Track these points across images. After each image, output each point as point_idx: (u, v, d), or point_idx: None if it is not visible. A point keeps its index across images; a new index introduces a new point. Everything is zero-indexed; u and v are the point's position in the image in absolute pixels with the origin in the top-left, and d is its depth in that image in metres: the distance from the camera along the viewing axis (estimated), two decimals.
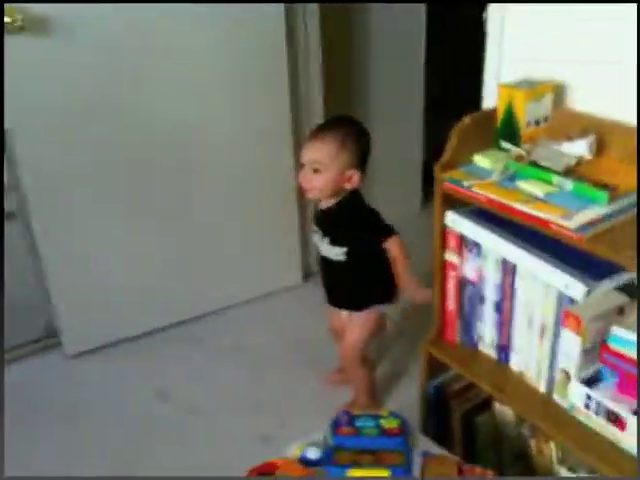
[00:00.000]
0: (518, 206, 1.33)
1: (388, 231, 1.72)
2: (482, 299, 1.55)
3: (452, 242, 1.55)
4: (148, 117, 2.15)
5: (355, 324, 1.87)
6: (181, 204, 2.32)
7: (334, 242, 1.75)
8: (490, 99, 1.68)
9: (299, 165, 1.77)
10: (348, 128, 1.72)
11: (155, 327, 2.39)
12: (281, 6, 2.22)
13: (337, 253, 1.75)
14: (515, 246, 1.41)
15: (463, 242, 1.53)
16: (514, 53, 1.63)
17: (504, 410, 1.59)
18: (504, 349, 1.56)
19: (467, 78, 2.97)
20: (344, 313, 1.92)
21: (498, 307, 1.52)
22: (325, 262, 1.84)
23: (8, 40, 1.84)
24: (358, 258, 1.76)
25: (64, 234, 2.15)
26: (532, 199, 1.36)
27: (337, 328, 1.97)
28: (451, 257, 1.57)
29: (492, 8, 1.63)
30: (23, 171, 2.04)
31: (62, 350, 2.29)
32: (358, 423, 1.43)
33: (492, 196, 1.38)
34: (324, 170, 1.68)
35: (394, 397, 2.06)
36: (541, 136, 1.54)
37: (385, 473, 1.27)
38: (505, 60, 1.66)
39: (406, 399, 1.92)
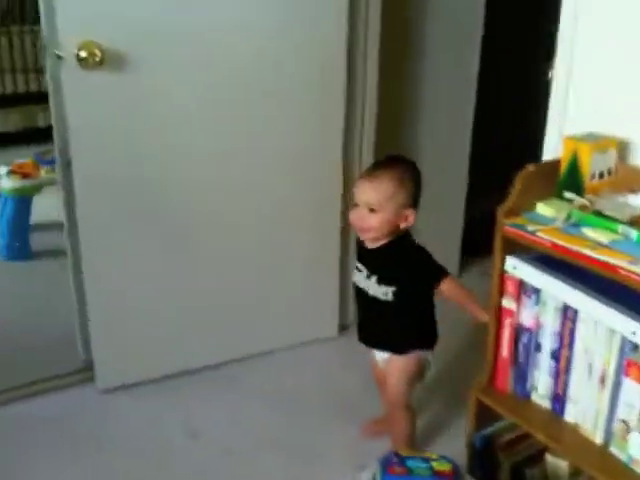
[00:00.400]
0: (586, 251, 1.34)
1: (443, 272, 1.72)
2: (538, 347, 1.55)
3: (510, 288, 1.56)
4: (192, 159, 2.16)
5: (395, 368, 1.84)
6: (220, 244, 2.29)
7: (382, 281, 1.75)
8: (550, 152, 1.72)
9: (351, 205, 1.77)
10: (404, 167, 1.73)
11: (189, 368, 2.36)
12: None
13: (385, 292, 1.75)
14: (579, 291, 1.40)
15: (522, 288, 1.54)
16: (578, 108, 1.67)
17: (557, 463, 1.56)
18: (559, 399, 1.54)
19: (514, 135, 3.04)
20: (380, 355, 1.89)
21: (555, 355, 1.52)
22: (366, 300, 1.81)
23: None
24: (406, 298, 1.75)
25: (107, 270, 2.14)
26: (597, 246, 1.37)
27: (379, 374, 1.96)
28: (508, 303, 1.57)
29: (559, 64, 1.68)
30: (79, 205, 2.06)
31: (95, 384, 2.26)
32: (409, 464, 1.41)
33: (558, 241, 1.40)
34: (381, 210, 1.69)
35: (438, 446, 2.02)
36: (605, 189, 1.56)
37: None
38: (569, 115, 1.71)
39: (450, 449, 1.88)
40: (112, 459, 1.95)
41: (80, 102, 1.93)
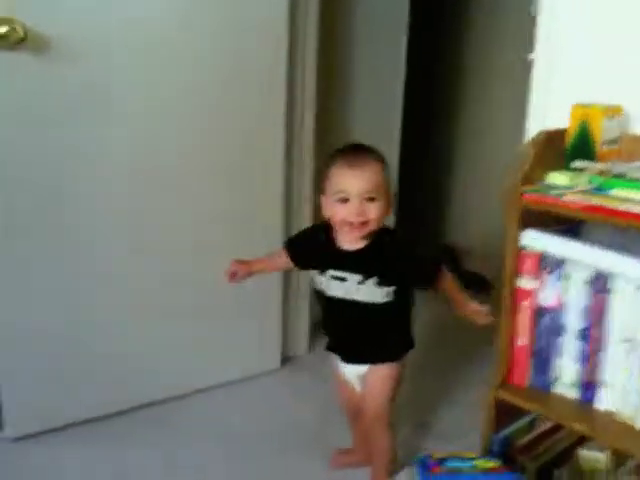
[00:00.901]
0: (628, 207, 1.22)
1: (441, 264, 1.58)
2: (562, 329, 1.41)
3: (528, 265, 1.41)
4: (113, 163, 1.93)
5: (378, 378, 1.64)
6: (149, 268, 2.04)
7: (383, 282, 1.56)
8: (537, 126, 1.63)
9: (332, 202, 1.55)
10: (376, 151, 1.58)
11: (117, 409, 2.06)
12: None
13: (386, 293, 1.57)
14: (620, 255, 1.28)
15: (542, 264, 1.40)
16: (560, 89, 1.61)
17: (593, 456, 1.40)
18: (589, 386, 1.40)
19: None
20: (354, 372, 1.69)
21: (583, 336, 1.38)
22: (350, 311, 1.61)
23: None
24: (403, 297, 1.60)
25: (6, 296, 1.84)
26: (633, 203, 1.26)
27: (354, 401, 1.74)
28: (526, 283, 1.43)
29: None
30: None
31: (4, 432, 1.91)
32: (449, 464, 1.22)
33: (590, 201, 1.28)
34: (380, 197, 1.52)
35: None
36: (614, 157, 1.47)
37: None
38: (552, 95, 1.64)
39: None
40: None
41: None
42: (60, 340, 1.93)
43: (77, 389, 1.98)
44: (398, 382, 1.68)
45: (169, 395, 2.15)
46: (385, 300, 1.57)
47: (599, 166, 1.40)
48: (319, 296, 1.65)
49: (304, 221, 2.34)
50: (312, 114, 2.31)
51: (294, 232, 2.01)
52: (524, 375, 1.48)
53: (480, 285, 3.26)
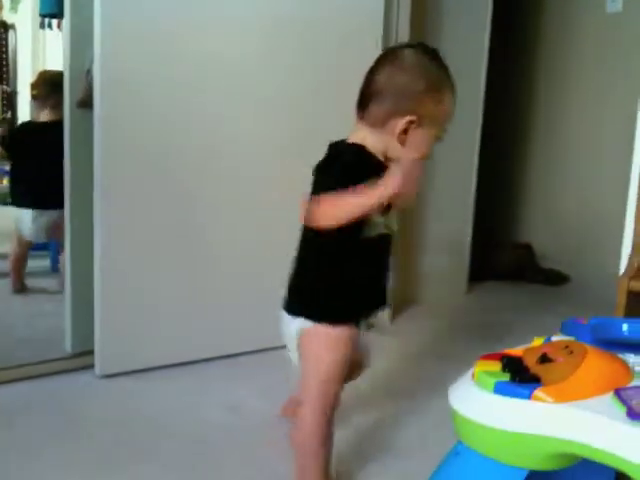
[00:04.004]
0: None
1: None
2: None
3: None
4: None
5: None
6: (234, 239, 2.07)
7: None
8: None
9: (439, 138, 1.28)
10: None
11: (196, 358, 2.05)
12: None
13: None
14: None
15: None
16: None
17: None
18: None
19: None
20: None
21: None
22: (387, 249, 1.30)
23: None
24: None
25: (121, 255, 1.88)
26: None
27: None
28: None
29: None
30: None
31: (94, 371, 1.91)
32: None
33: None
34: None
35: None
36: None
37: None
38: None
39: None
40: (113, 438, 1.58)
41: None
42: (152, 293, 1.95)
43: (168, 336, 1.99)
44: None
45: (239, 350, 2.14)
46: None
47: None
48: (359, 246, 1.24)
49: None
50: None
51: None
52: None
53: (558, 279, 3.21)
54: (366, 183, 1.12)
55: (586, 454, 0.81)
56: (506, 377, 0.89)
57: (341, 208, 1.13)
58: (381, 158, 1.24)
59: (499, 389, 0.87)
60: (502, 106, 3.49)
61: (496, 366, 0.93)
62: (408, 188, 1.09)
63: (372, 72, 1.26)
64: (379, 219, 1.24)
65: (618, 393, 0.83)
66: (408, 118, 1.22)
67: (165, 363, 1.98)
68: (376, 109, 1.24)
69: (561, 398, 0.83)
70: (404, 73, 1.23)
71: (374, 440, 1.57)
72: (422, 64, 1.24)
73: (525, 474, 0.87)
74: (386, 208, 1.22)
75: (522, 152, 3.65)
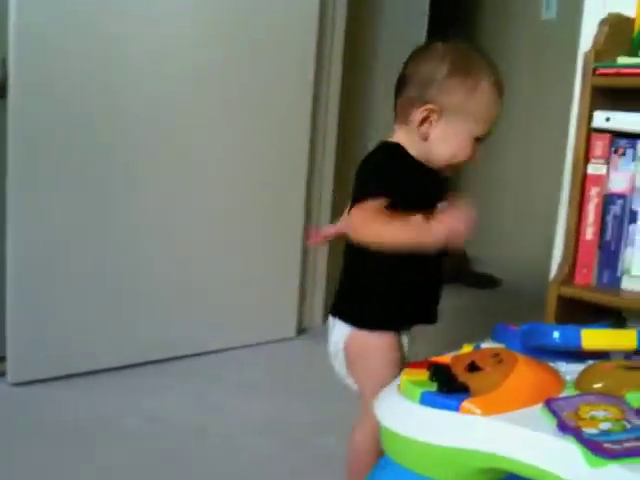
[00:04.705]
0: None
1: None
2: (633, 216, 1.34)
3: (599, 149, 1.35)
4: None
5: None
6: (176, 239, 2.02)
7: None
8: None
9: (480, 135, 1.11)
10: None
11: (130, 362, 1.98)
12: None
13: None
14: None
15: (612, 147, 1.33)
16: None
17: None
18: None
19: None
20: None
21: None
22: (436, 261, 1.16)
23: None
24: None
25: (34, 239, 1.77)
26: None
27: None
28: (595, 169, 1.35)
29: None
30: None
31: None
32: None
33: None
34: None
35: None
36: None
37: None
38: None
39: None
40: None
41: None
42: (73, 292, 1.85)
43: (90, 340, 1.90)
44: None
45: (178, 354, 2.07)
46: None
47: None
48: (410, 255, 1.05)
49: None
50: (335, 123, 2.39)
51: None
52: (590, 273, 1.39)
53: (490, 283, 3.22)
54: (404, 186, 1.03)
55: (515, 470, 0.76)
56: (433, 387, 0.84)
57: (381, 234, 1.03)
58: (421, 160, 1.11)
59: (425, 400, 0.82)
60: None
61: (423, 375, 0.88)
62: (458, 235, 0.97)
63: (402, 68, 1.14)
64: None
65: (549, 404, 0.79)
66: (427, 106, 1.07)
67: (84, 370, 1.87)
68: (399, 103, 1.12)
69: (489, 410, 0.78)
70: (428, 60, 1.09)
71: None
72: (451, 49, 1.09)
73: None
74: (430, 210, 1.08)
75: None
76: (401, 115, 1.12)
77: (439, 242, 0.97)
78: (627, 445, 0.72)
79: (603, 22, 1.35)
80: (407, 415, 0.83)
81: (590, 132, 1.34)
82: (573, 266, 1.40)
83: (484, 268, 3.43)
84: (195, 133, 1.97)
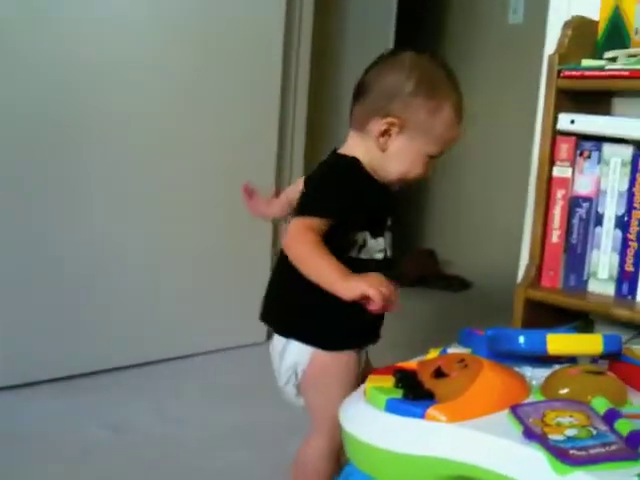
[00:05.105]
0: None
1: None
2: (599, 219, 1.34)
3: (564, 152, 1.35)
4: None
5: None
6: (142, 239, 1.97)
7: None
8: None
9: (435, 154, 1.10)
10: None
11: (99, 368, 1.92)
12: None
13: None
14: None
15: (578, 149, 1.34)
16: None
17: None
18: (627, 277, 1.31)
19: None
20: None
21: (622, 223, 1.31)
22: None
23: None
24: None
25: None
26: None
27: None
28: (560, 172, 1.36)
29: None
30: None
31: None
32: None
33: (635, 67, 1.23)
34: None
35: None
36: None
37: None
38: None
39: None
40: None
41: None
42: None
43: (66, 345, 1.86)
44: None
45: (150, 359, 2.03)
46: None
47: (632, 50, 1.35)
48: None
49: None
50: (303, 120, 2.36)
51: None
52: (557, 276, 1.39)
53: (460, 286, 3.23)
54: (356, 208, 1.01)
55: (481, 478, 0.75)
56: (399, 393, 0.82)
57: (305, 261, 0.99)
58: (371, 172, 1.08)
59: (391, 407, 0.81)
60: None
61: (389, 381, 0.86)
62: (375, 301, 0.90)
63: (363, 73, 1.11)
64: (373, 241, 1.10)
65: (514, 410, 0.78)
66: (389, 119, 1.05)
67: (48, 377, 1.82)
68: (358, 109, 1.09)
69: (455, 417, 0.77)
70: (394, 71, 1.07)
71: None
72: (419, 65, 1.07)
73: None
74: (379, 231, 1.10)
75: None
76: (358, 122, 1.10)
77: (351, 298, 0.92)
78: (593, 452, 0.71)
79: (567, 25, 1.35)
80: (372, 423, 0.82)
81: (555, 135, 1.34)
82: (540, 269, 1.39)
83: (454, 270, 3.44)
84: (159, 134, 1.93)
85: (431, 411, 0.79)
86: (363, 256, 1.08)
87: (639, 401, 0.85)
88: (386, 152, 1.08)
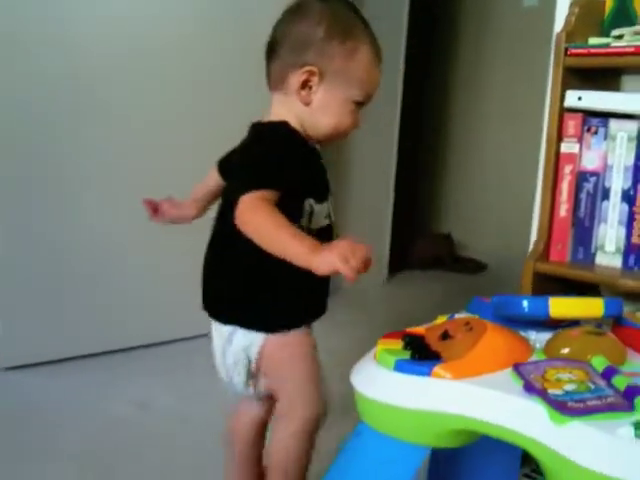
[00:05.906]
0: None
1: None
2: (606, 193, 1.36)
3: (572, 128, 1.38)
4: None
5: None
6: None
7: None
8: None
9: (360, 101, 1.08)
10: None
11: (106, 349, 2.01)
12: None
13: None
14: None
15: (585, 125, 1.36)
16: None
17: None
18: (635, 251, 1.34)
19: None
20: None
21: (628, 196, 1.34)
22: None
23: None
24: None
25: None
26: None
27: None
28: (568, 147, 1.38)
29: None
30: None
31: None
32: None
33: None
34: None
35: None
36: None
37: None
38: None
39: None
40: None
41: None
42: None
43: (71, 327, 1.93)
44: None
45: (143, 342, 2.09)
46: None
47: (639, 28, 1.37)
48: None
49: None
50: None
51: None
52: (565, 250, 1.42)
53: (476, 268, 3.26)
54: (300, 175, 0.97)
55: (484, 430, 0.79)
56: (407, 355, 0.87)
57: (267, 234, 0.92)
58: (303, 134, 1.06)
59: (399, 367, 0.85)
60: (421, 100, 3.51)
61: (398, 345, 0.91)
62: (349, 269, 0.84)
63: (272, 30, 1.07)
64: (319, 207, 1.06)
65: (516, 368, 0.82)
66: (306, 68, 1.02)
67: (72, 355, 1.89)
68: (274, 67, 1.06)
69: (459, 374, 0.81)
70: (303, 20, 1.03)
71: None
72: (328, 9, 1.03)
73: (426, 452, 0.86)
74: (323, 196, 1.07)
75: (442, 144, 3.69)
76: (277, 80, 1.06)
77: (325, 273, 0.86)
78: (589, 404, 0.75)
79: (574, 3, 1.38)
80: (382, 382, 0.86)
81: (563, 111, 1.37)
82: (548, 243, 1.42)
83: (470, 253, 3.47)
84: (160, 134, 2.01)
85: (437, 369, 0.83)
86: (313, 226, 1.05)
87: (638, 361, 0.89)
88: (311, 106, 1.05)
